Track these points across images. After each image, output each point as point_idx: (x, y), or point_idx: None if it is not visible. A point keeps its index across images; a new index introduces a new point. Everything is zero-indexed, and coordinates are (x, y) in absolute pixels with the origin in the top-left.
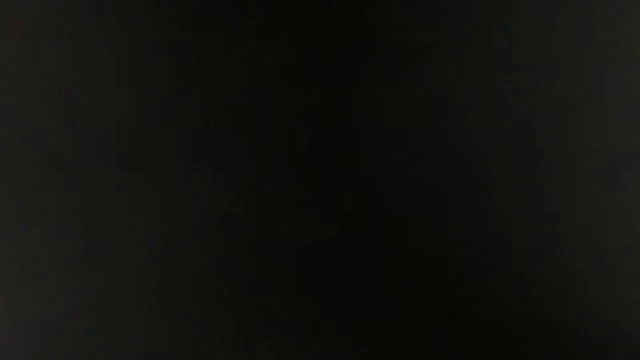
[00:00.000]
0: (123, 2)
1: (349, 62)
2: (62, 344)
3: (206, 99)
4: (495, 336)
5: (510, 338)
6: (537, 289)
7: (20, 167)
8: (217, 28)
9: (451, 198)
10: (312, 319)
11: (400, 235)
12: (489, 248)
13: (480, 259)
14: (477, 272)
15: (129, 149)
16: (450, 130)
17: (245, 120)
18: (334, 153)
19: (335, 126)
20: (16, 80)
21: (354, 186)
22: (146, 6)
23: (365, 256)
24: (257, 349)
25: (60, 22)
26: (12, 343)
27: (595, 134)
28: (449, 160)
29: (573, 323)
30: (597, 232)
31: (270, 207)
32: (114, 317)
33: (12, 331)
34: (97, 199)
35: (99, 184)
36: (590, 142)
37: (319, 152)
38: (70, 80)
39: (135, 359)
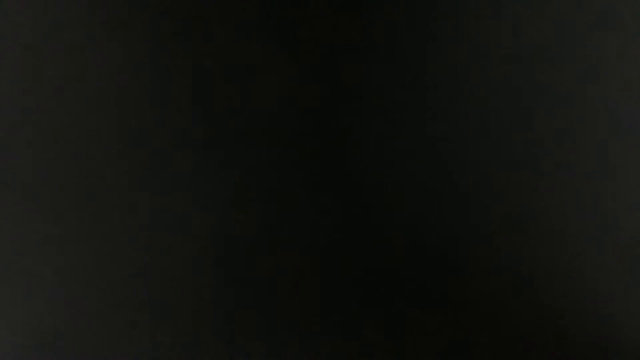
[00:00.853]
0: (123, 1)
1: (349, 62)
2: (62, 344)
3: (206, 98)
4: (496, 336)
5: (510, 338)
6: (538, 288)
7: (19, 167)
8: (217, 28)
9: (451, 197)
10: (312, 319)
11: (401, 235)
12: (489, 248)
13: (481, 258)
14: (478, 271)
15: (128, 149)
16: (450, 130)
17: (245, 120)
18: (334, 153)
19: (336, 126)
20: (16, 81)
21: (354, 186)
22: (146, 6)
23: (365, 256)
24: (257, 349)
25: (60, 23)
26: (12, 343)
27: (596, 133)
28: (449, 160)
29: (574, 323)
30: (598, 232)
31: (270, 207)
32: (114, 317)
33: (12, 331)
34: (97, 199)
35: (98, 184)
36: (591, 141)
37: (319, 152)
38: (70, 81)
39: (135, 359)
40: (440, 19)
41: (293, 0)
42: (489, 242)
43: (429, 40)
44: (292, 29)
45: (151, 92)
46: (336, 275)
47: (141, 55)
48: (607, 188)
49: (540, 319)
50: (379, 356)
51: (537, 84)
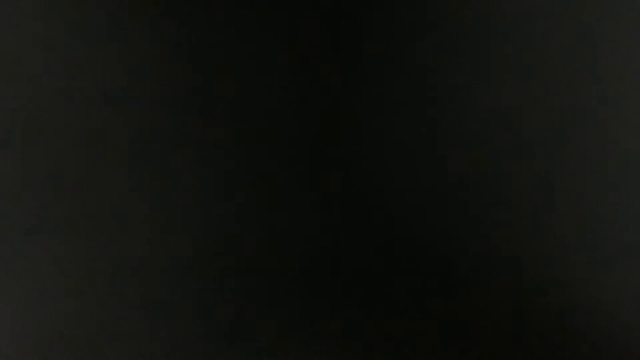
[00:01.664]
0: (123, 1)
1: (349, 62)
2: (62, 344)
3: (207, 98)
4: (497, 336)
5: (511, 338)
6: (538, 288)
7: (19, 167)
8: (218, 28)
9: (452, 197)
10: (312, 319)
11: (401, 234)
12: (490, 248)
13: (482, 258)
14: (479, 271)
15: (128, 149)
16: (450, 130)
17: (245, 120)
18: (334, 153)
19: (336, 125)
20: (16, 81)
21: (354, 186)
22: (146, 6)
23: (365, 256)
24: (257, 349)
25: (60, 23)
26: (12, 343)
27: (596, 133)
28: (450, 160)
29: (574, 322)
30: (598, 232)
31: (270, 207)
32: (114, 317)
33: (12, 331)
34: (97, 199)
35: (98, 184)
36: (591, 141)
37: (319, 152)
38: (70, 81)
39: (135, 359)
40: (441, 18)
41: (293, 0)
42: (490, 241)
43: (429, 40)
44: (291, 28)
45: (151, 92)
46: (336, 275)
47: (141, 55)
48: (607, 188)
49: (541, 318)
50: (379, 356)
51: (538, 83)
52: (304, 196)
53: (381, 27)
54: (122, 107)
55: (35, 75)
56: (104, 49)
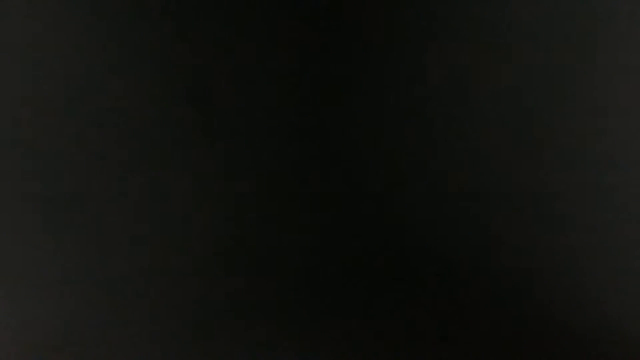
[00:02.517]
0: (123, 2)
1: (349, 62)
2: (62, 344)
3: (206, 98)
4: (497, 336)
5: (511, 338)
6: (538, 288)
7: (19, 167)
8: (217, 27)
9: (452, 197)
10: (312, 319)
11: (401, 235)
12: (490, 248)
13: (482, 258)
14: (479, 272)
15: (129, 149)
16: (450, 130)
17: (244, 119)
18: (334, 152)
19: (335, 126)
20: (16, 80)
21: (354, 185)
22: (146, 6)
23: (365, 256)
24: (257, 349)
25: (59, 22)
26: (12, 343)
27: (597, 133)
28: (450, 160)
29: (574, 322)
30: (599, 232)
31: (270, 207)
32: (114, 317)
33: (12, 331)
34: (97, 199)
35: (98, 184)
36: (592, 141)
37: (319, 151)
38: (69, 82)
39: (135, 359)
40: (440, 18)
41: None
42: (491, 241)
43: (429, 40)
44: (291, 28)
45: (151, 92)
46: (337, 275)
47: (141, 55)
48: (608, 188)
49: (542, 318)
50: (379, 356)
51: (539, 83)
52: (304, 196)
53: (381, 27)
54: (122, 107)
55: (35, 75)
56: (103, 49)
